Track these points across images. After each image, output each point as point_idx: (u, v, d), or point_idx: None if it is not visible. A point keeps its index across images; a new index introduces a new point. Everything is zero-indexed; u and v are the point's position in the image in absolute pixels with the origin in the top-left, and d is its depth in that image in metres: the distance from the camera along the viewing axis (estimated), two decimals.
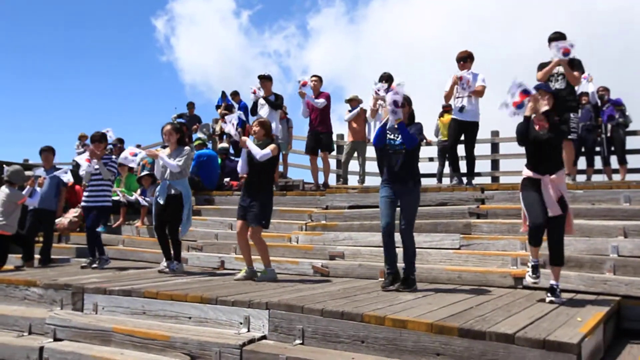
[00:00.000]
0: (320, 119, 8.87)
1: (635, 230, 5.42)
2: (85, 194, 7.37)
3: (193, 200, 8.01)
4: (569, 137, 6.79)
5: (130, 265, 7.50)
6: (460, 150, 7.86)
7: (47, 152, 8.14)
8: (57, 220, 8.87)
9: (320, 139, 8.93)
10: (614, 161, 9.75)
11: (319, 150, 9.03)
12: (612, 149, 9.75)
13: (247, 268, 6.00)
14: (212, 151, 10.60)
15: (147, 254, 8.01)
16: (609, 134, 9.73)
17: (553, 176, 4.55)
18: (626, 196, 6.00)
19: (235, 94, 12.67)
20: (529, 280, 4.72)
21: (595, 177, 9.87)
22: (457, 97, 7.44)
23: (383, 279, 5.72)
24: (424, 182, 9.90)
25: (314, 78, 8.95)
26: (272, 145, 5.83)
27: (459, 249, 6.07)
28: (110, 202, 7.53)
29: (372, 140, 6.00)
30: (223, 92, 13.10)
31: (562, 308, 4.23)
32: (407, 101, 5.21)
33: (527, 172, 4.71)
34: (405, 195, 5.15)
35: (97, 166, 7.13)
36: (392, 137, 5.17)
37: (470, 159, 7.66)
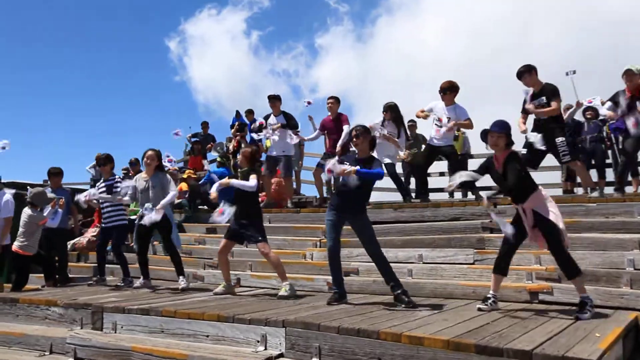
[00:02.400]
0: (335, 142, 8.69)
1: None
2: (103, 215, 7.54)
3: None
4: (573, 157, 6.85)
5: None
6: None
7: (53, 176, 8.21)
8: (75, 240, 8.97)
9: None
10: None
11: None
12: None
13: (225, 284, 6.23)
14: (227, 169, 10.67)
15: (163, 272, 8.02)
16: (620, 146, 9.63)
17: (525, 204, 4.60)
18: (639, 209, 5.93)
19: (249, 112, 12.77)
20: (477, 307, 4.78)
21: (609, 189, 9.74)
22: (433, 124, 7.72)
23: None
24: (435, 196, 10.09)
25: (330, 100, 8.82)
26: (253, 175, 6.13)
27: (473, 263, 6.03)
28: (126, 220, 7.68)
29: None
30: (237, 112, 13.23)
31: (579, 323, 4.17)
32: (361, 133, 5.36)
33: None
34: (357, 221, 5.37)
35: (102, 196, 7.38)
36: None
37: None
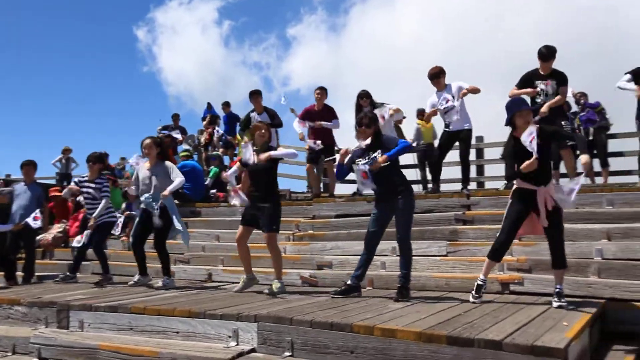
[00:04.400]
0: (322, 131, 8.65)
1: (619, 233, 5.49)
2: (89, 212, 7.42)
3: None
4: (566, 144, 6.86)
5: (116, 280, 7.41)
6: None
7: (28, 167, 8.00)
8: (40, 237, 8.76)
9: (322, 150, 8.71)
10: (596, 164, 9.86)
11: (322, 159, 8.86)
12: (595, 152, 9.87)
13: (246, 276, 5.95)
14: (196, 162, 10.57)
15: (134, 269, 7.90)
16: (590, 137, 9.85)
17: (548, 187, 4.55)
18: (609, 199, 6.07)
19: (226, 105, 12.66)
20: (471, 300, 4.78)
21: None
22: (444, 114, 7.51)
23: (371, 288, 5.77)
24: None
25: (318, 91, 8.77)
26: (280, 147, 5.87)
27: (446, 255, 6.10)
28: (115, 218, 7.66)
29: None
30: (208, 104, 13.12)
31: (548, 312, 4.27)
32: (372, 121, 5.32)
33: (522, 183, 4.65)
34: (397, 206, 5.16)
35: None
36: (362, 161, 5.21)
37: (465, 165, 7.71)
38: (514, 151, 4.64)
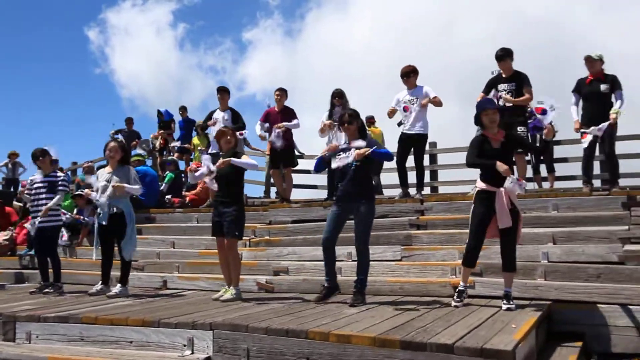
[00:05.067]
0: (283, 133, 8.55)
1: (563, 236, 5.73)
2: (32, 215, 7.06)
3: None
4: (519, 150, 7.06)
5: (67, 289, 7.18)
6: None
7: None
8: None
9: (282, 155, 8.74)
10: (543, 169, 10.25)
11: (282, 165, 8.90)
12: (541, 158, 10.26)
13: (233, 288, 5.81)
14: (149, 168, 10.37)
15: (85, 277, 7.72)
16: (537, 144, 10.24)
17: (506, 187, 4.68)
18: (554, 204, 6.33)
19: (183, 110, 12.47)
20: (452, 304, 4.87)
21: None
22: (405, 115, 7.60)
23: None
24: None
25: (277, 92, 8.73)
26: (245, 155, 5.93)
27: (400, 260, 6.21)
28: (61, 220, 7.37)
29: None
30: (158, 111, 12.81)
31: (498, 315, 4.41)
32: (353, 117, 5.32)
33: (481, 185, 4.83)
34: (359, 211, 5.18)
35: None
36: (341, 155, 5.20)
37: (420, 170, 7.83)
38: (480, 144, 4.83)
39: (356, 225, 5.22)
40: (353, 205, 5.18)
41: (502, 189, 4.70)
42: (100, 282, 6.55)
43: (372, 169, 5.32)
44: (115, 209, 6.30)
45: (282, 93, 8.78)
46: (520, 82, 7.06)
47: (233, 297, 5.62)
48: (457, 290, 4.96)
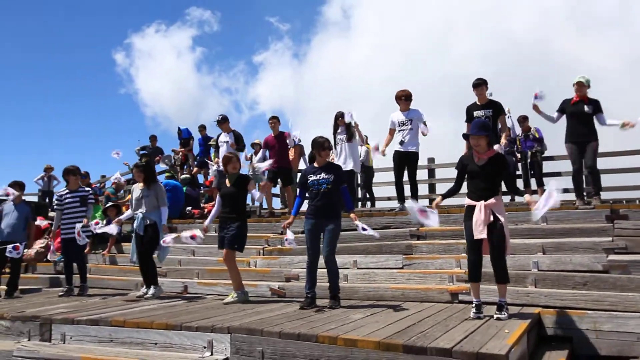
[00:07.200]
0: (277, 157, 8.66)
1: (552, 247, 5.72)
2: (62, 227, 7.23)
3: None
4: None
5: (97, 293, 7.24)
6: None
7: (14, 187, 7.81)
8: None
9: (281, 174, 8.82)
10: (533, 183, 10.24)
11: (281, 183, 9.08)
12: (532, 172, 10.27)
13: (234, 292, 6.05)
14: (176, 182, 10.46)
15: (113, 282, 7.78)
16: (529, 160, 10.26)
17: (488, 202, 4.58)
18: (544, 217, 6.28)
19: (202, 128, 12.59)
20: (471, 316, 4.60)
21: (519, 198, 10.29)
22: (398, 132, 7.64)
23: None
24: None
25: (272, 120, 8.92)
26: (251, 181, 6.21)
27: (402, 268, 6.21)
28: (90, 232, 7.39)
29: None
30: (179, 128, 12.96)
31: (492, 320, 4.39)
32: (329, 146, 5.55)
33: (467, 201, 4.76)
34: (327, 228, 5.33)
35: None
36: (314, 178, 5.39)
37: (414, 185, 7.83)
38: (462, 161, 4.86)
39: (325, 240, 5.36)
40: (320, 223, 5.35)
41: (482, 202, 4.60)
42: (144, 286, 6.74)
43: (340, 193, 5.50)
44: (149, 221, 6.54)
45: (275, 120, 9.00)
46: (496, 110, 7.16)
47: (234, 299, 5.87)
48: (473, 305, 4.66)
